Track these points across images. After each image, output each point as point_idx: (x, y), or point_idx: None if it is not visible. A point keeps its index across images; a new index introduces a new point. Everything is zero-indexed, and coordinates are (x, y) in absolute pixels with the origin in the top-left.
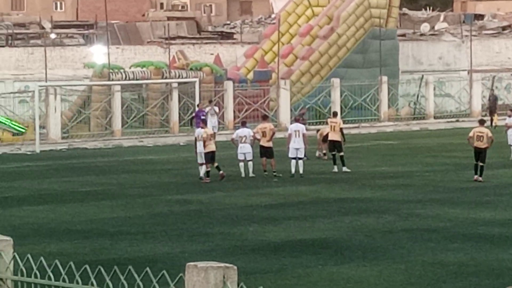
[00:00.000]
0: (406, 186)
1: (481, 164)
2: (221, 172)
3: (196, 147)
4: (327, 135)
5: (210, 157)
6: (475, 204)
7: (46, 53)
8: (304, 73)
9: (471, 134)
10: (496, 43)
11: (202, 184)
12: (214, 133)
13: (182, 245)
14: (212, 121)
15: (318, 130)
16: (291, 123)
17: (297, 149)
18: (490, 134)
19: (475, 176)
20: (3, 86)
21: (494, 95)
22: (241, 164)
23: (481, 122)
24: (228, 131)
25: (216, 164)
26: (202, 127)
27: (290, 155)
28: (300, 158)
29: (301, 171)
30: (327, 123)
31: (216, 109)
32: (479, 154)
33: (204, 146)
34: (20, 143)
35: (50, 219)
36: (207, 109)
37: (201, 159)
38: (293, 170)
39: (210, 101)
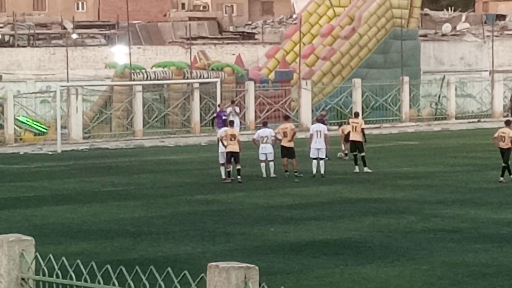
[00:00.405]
0: (428, 186)
1: (503, 164)
2: (239, 177)
3: (219, 147)
4: (348, 134)
5: (229, 157)
6: (497, 205)
7: (67, 53)
8: (325, 74)
9: (495, 134)
10: None
11: (223, 184)
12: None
13: (204, 245)
14: (229, 121)
15: (340, 125)
16: (312, 124)
17: (318, 149)
18: (511, 135)
19: (501, 179)
20: (25, 86)
21: None
22: (262, 164)
23: (507, 123)
24: (249, 131)
25: (238, 167)
26: (228, 126)
27: (312, 156)
28: (321, 159)
29: (322, 171)
30: (348, 124)
31: (237, 109)
32: (502, 154)
33: (224, 145)
34: (42, 143)
35: (71, 219)
36: (228, 109)
37: (223, 159)
38: (314, 171)
39: (233, 102)
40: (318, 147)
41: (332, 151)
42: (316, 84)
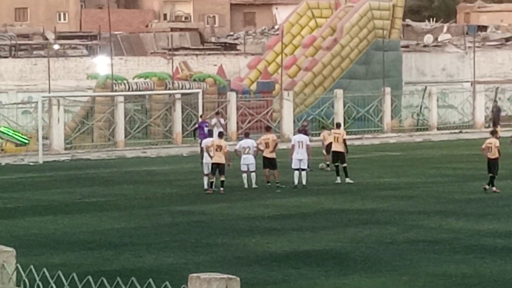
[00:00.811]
0: (409, 197)
1: (490, 174)
2: (221, 188)
3: (201, 157)
4: (330, 145)
5: (214, 168)
6: (479, 215)
7: (49, 64)
8: (307, 84)
9: (483, 146)
10: (499, 54)
11: (205, 195)
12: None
13: (185, 256)
14: (217, 132)
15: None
16: (294, 134)
17: (300, 160)
18: (497, 144)
19: (487, 186)
20: (6, 96)
21: (497, 107)
22: (244, 175)
23: (492, 133)
24: (231, 142)
25: (222, 178)
26: (214, 137)
27: (293, 166)
28: (303, 169)
29: (304, 182)
30: (328, 130)
31: (222, 120)
32: (490, 165)
33: (210, 156)
34: (24, 154)
35: (53, 230)
36: (213, 120)
37: (207, 170)
38: (296, 181)
39: (217, 113)
40: (300, 157)
41: (314, 161)
42: (298, 94)
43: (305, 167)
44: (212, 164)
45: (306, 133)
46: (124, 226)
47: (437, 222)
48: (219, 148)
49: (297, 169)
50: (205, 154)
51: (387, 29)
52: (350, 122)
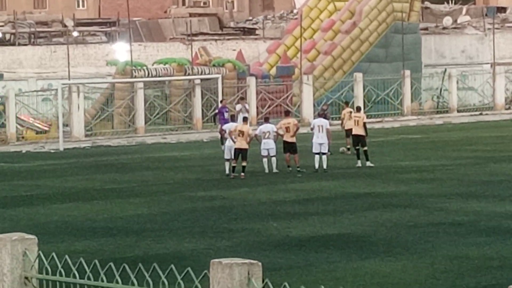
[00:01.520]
0: (430, 180)
1: None
2: (242, 174)
3: (222, 143)
4: (350, 129)
5: (237, 153)
6: (500, 197)
7: (68, 51)
8: (326, 68)
9: None
10: None
11: (225, 180)
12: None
13: (207, 241)
14: (242, 117)
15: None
16: (314, 118)
17: (320, 144)
18: None
19: None
20: (26, 84)
21: None
22: (265, 160)
23: None
24: (251, 127)
25: (244, 164)
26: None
27: (314, 150)
28: (323, 153)
29: (324, 166)
30: (348, 110)
31: (247, 106)
32: None
33: (233, 141)
34: (44, 141)
35: (74, 217)
36: (238, 106)
37: (229, 154)
38: (316, 165)
39: (242, 98)
40: (320, 141)
41: (334, 145)
42: (318, 79)
43: (326, 151)
44: (235, 149)
45: (325, 117)
46: (145, 212)
47: (458, 204)
48: (241, 133)
49: (318, 153)
50: (228, 138)
51: (406, 12)
52: (370, 106)
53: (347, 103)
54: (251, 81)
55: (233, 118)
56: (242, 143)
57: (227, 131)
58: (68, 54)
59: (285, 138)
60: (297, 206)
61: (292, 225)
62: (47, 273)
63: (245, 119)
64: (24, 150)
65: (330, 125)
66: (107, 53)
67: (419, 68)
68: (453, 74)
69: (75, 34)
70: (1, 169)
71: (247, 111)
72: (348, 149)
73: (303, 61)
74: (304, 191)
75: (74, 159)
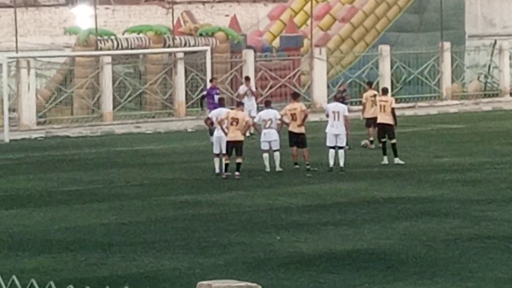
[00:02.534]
0: (476, 182)
1: None
2: (237, 173)
3: (211, 133)
4: (374, 118)
5: (230, 147)
6: None
7: (16, 16)
8: (344, 39)
9: None
10: None
11: (216, 181)
12: (252, 118)
13: (192, 258)
14: (248, 104)
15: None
16: (328, 103)
17: (336, 135)
18: None
19: None
20: None
21: None
22: (265, 155)
23: None
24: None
25: (239, 160)
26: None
27: (328, 143)
28: (340, 147)
29: (341, 163)
30: (374, 103)
31: (253, 88)
32: None
33: (225, 132)
34: None
35: (23, 226)
36: (242, 88)
37: (218, 149)
38: (331, 163)
39: (247, 78)
40: (336, 132)
41: (354, 137)
42: (333, 52)
43: (343, 144)
44: (227, 142)
45: (343, 101)
46: (113, 221)
47: (511, 213)
48: (235, 121)
49: (333, 147)
50: (217, 128)
51: None
52: (399, 87)
53: (370, 84)
54: (249, 55)
55: (222, 102)
56: (236, 134)
57: (215, 119)
58: (15, 20)
59: (291, 128)
60: (307, 215)
61: (300, 238)
62: None
63: (239, 104)
64: None
65: (349, 111)
66: (66, 18)
67: (462, 40)
68: (504, 47)
69: None
70: None
71: (254, 95)
72: (372, 142)
73: (314, 29)
74: (315, 196)
75: (23, 153)
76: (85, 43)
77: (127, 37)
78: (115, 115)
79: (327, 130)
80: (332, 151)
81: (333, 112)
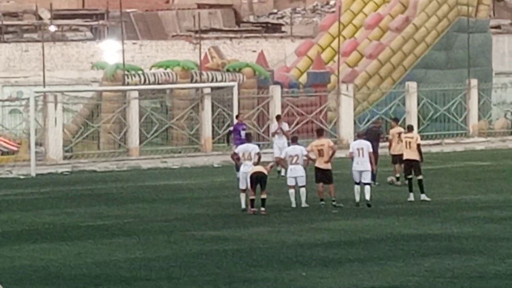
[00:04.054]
0: (502, 219)
1: None
2: (262, 208)
3: (237, 168)
4: (400, 155)
5: (254, 180)
6: None
7: (44, 51)
8: (371, 76)
9: None
10: None
11: (242, 216)
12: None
13: None
14: (279, 142)
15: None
16: (354, 140)
17: (361, 171)
18: None
19: None
20: None
21: None
22: (291, 191)
23: None
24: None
25: (264, 196)
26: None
27: (354, 179)
28: (366, 184)
29: (367, 197)
30: (400, 139)
31: (286, 126)
32: None
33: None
34: (11, 165)
35: (48, 261)
36: (274, 126)
37: (244, 184)
38: (357, 198)
39: (278, 117)
40: (360, 169)
41: (381, 173)
42: (360, 89)
43: (368, 180)
44: (251, 175)
45: (378, 136)
46: (139, 256)
47: None
48: (257, 156)
49: (358, 183)
50: (243, 164)
51: (474, 5)
52: (426, 124)
53: (396, 121)
54: (275, 91)
55: (249, 138)
56: (260, 167)
57: (241, 154)
58: (43, 54)
59: (317, 164)
60: (333, 251)
61: (325, 274)
62: None
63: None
64: None
65: (380, 144)
66: (93, 53)
67: (489, 77)
68: None
69: (52, 28)
70: None
71: (285, 134)
72: (398, 178)
73: (341, 66)
74: (341, 232)
75: (49, 187)
76: (112, 77)
77: (154, 72)
78: (141, 150)
79: (352, 168)
80: (357, 187)
81: (358, 149)
